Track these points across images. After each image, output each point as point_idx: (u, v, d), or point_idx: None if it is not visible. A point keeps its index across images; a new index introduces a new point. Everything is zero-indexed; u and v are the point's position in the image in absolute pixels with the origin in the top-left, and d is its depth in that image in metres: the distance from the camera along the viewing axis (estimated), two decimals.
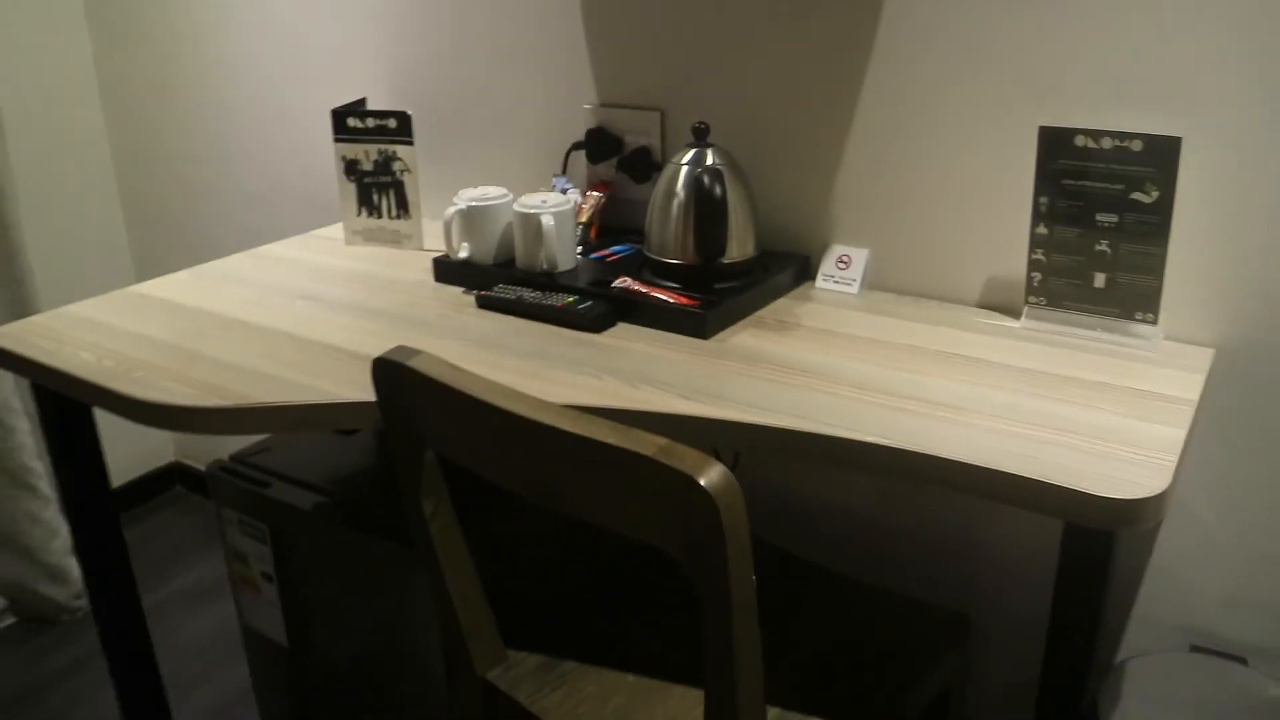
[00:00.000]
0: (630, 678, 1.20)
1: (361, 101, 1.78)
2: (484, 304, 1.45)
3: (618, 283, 1.42)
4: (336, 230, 1.85)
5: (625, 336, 1.34)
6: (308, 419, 1.20)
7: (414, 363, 1.00)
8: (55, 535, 2.23)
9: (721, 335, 1.33)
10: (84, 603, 2.28)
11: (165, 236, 2.45)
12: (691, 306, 1.34)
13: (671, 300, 1.36)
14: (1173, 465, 0.98)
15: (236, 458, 1.63)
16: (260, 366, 1.28)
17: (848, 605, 1.33)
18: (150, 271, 2.50)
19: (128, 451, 2.62)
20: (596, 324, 1.35)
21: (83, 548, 1.53)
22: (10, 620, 2.27)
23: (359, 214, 1.74)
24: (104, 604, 1.56)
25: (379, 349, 1.30)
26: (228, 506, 1.61)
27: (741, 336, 1.33)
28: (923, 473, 1.02)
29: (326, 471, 1.58)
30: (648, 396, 1.16)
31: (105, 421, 1.47)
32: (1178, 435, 1.04)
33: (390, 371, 1.03)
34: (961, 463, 1.00)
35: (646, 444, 0.84)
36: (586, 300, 1.39)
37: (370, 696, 1.59)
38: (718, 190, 1.36)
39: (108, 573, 1.55)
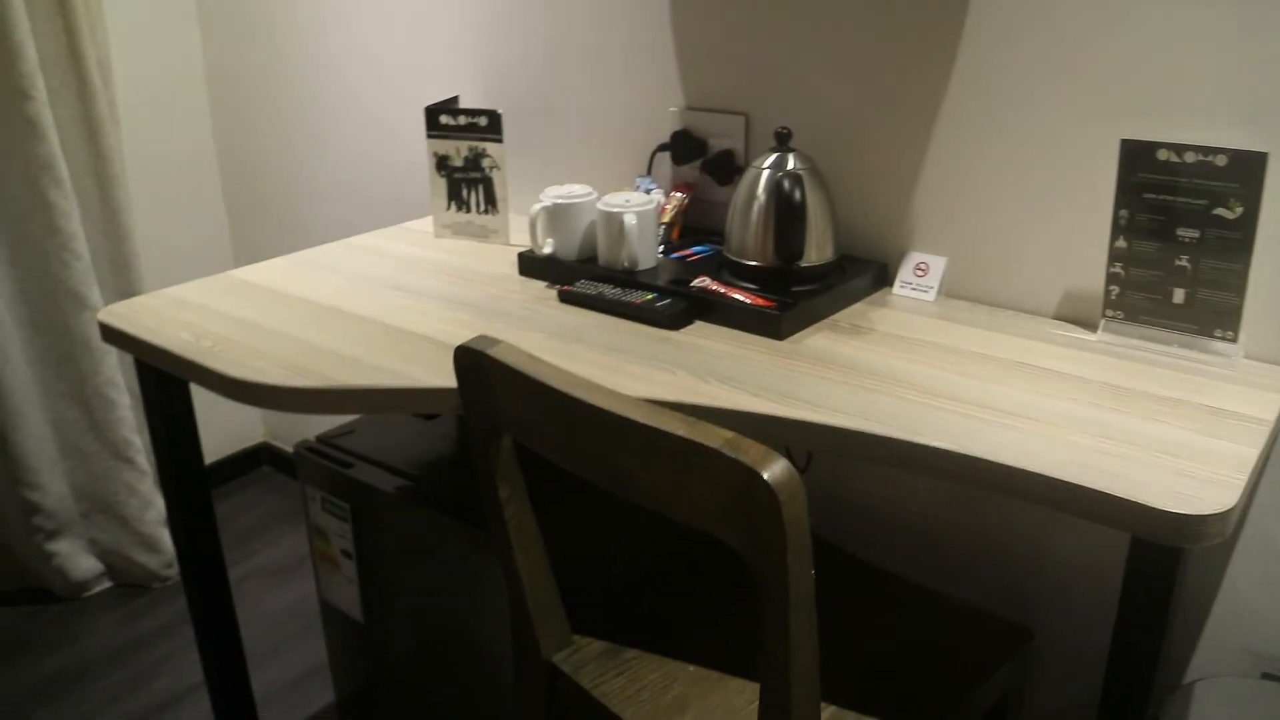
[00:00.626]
0: (691, 668, 1.22)
1: (454, 99, 1.83)
2: (566, 298, 1.48)
3: (696, 282, 1.44)
4: (426, 223, 1.90)
5: (702, 335, 1.36)
6: (391, 402, 1.23)
7: (494, 351, 1.04)
8: (150, 506, 2.32)
9: (796, 337, 1.34)
10: (174, 571, 2.37)
11: (263, 224, 2.53)
12: (768, 308, 1.36)
13: (748, 301, 1.38)
14: (1242, 483, 0.97)
15: (322, 439, 1.69)
16: (349, 351, 1.32)
17: (910, 610, 1.33)
18: (248, 257, 2.59)
19: (220, 430, 2.71)
20: (674, 321, 1.38)
21: (175, 520, 1.59)
22: (107, 584, 2.37)
23: (448, 208, 1.79)
24: (193, 574, 1.62)
25: (463, 338, 1.34)
26: (312, 485, 1.67)
27: (816, 339, 1.34)
28: (987, 479, 1.03)
29: (408, 455, 1.63)
30: (717, 392, 1.18)
31: (200, 403, 1.54)
32: (1250, 454, 1.03)
33: (471, 359, 1.07)
34: (1025, 471, 1.00)
35: (714, 437, 0.86)
36: (665, 298, 1.42)
37: (439, 673, 1.63)
38: (798, 195, 1.38)
39: (198, 545, 1.60)
